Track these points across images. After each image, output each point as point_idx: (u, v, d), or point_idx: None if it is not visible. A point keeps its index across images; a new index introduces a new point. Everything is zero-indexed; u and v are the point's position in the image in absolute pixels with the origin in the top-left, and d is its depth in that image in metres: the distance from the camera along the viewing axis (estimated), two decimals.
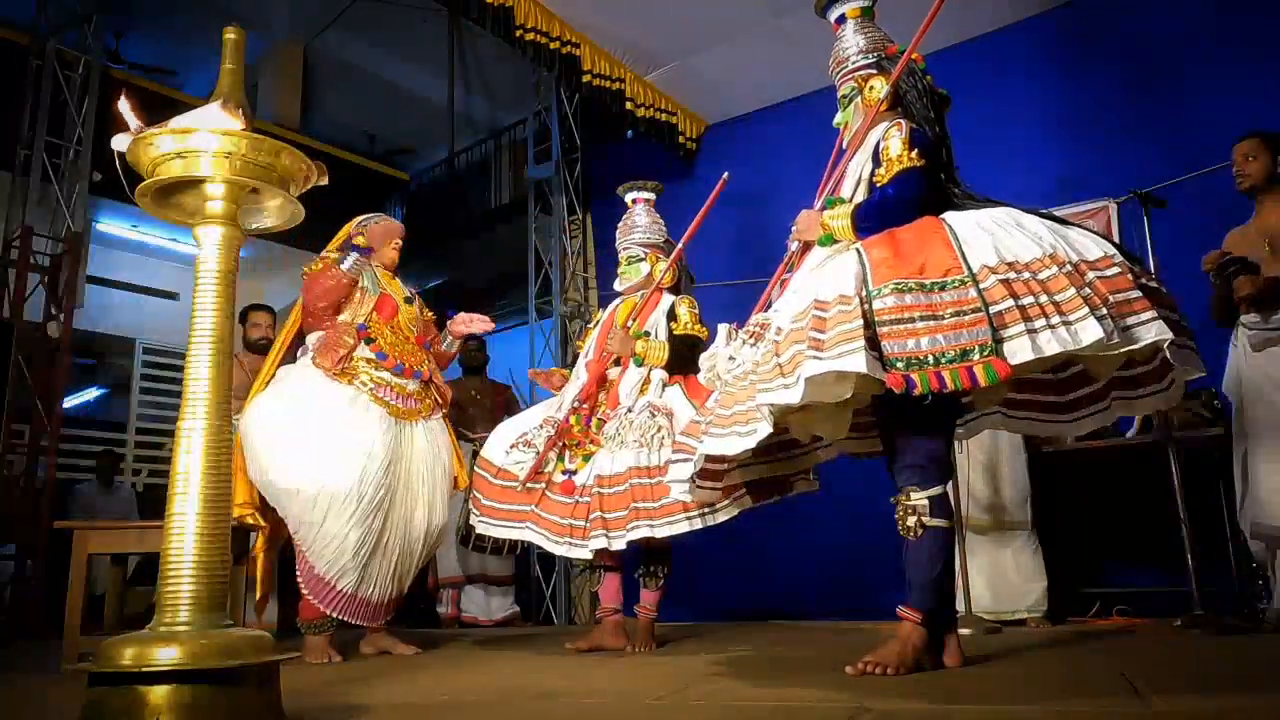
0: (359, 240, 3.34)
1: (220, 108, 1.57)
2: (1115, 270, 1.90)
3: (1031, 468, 3.98)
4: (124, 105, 1.54)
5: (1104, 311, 1.81)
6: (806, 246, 2.36)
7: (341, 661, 2.97)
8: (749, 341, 2.18)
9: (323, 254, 3.30)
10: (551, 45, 5.11)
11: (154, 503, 6.79)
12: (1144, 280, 1.94)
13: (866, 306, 1.92)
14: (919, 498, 2.03)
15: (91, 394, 9.70)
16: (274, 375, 3.22)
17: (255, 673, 1.42)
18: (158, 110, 1.59)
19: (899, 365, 1.86)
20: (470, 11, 4.95)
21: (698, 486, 2.36)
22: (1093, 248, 1.94)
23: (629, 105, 5.62)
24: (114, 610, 3.52)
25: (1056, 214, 2.13)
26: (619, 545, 2.90)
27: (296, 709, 1.67)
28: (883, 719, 1.47)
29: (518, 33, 4.97)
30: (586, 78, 5.37)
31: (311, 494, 2.93)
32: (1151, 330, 1.82)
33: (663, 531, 2.84)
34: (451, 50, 7.26)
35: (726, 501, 2.74)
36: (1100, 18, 4.66)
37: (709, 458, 2.22)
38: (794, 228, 2.39)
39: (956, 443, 3.66)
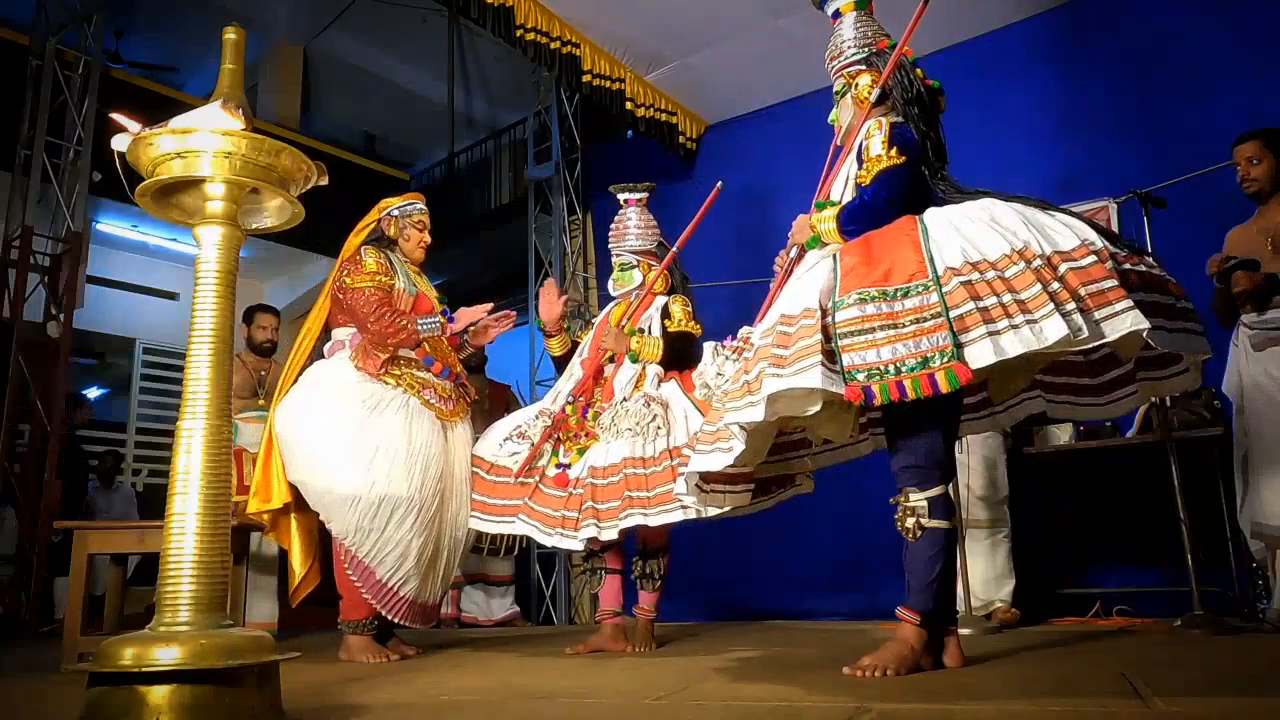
0: (390, 231, 3.27)
1: (220, 108, 1.57)
2: (1090, 259, 1.85)
3: (1025, 465, 4.00)
4: (124, 125, 1.54)
5: (1071, 306, 1.77)
6: (802, 251, 2.36)
7: (399, 660, 2.95)
8: (732, 357, 2.19)
9: (358, 252, 3.16)
10: (551, 45, 5.11)
11: (154, 503, 6.80)
12: (1128, 265, 1.90)
13: (829, 319, 1.93)
14: (918, 499, 2.02)
15: (91, 394, 9.70)
16: (301, 372, 3.12)
17: (255, 673, 1.42)
18: (158, 110, 1.59)
19: (859, 377, 1.85)
20: (470, 11, 4.95)
21: (714, 492, 2.37)
22: (1069, 237, 1.90)
23: (629, 105, 5.62)
24: (114, 610, 3.51)
25: (1041, 200, 2.08)
26: (609, 535, 2.89)
27: (296, 709, 1.67)
28: (882, 719, 1.46)
29: (518, 33, 4.98)
30: (586, 78, 5.38)
31: (373, 501, 2.90)
32: (1127, 320, 1.77)
33: (656, 520, 2.83)
34: (451, 50, 7.27)
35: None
36: (1100, 17, 4.66)
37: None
38: (790, 233, 2.40)
39: (958, 440, 3.68)
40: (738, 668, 2.42)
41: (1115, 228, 4.34)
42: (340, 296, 3.13)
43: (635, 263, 3.39)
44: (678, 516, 2.80)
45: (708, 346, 2.32)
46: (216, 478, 1.48)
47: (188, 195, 1.59)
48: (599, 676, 2.35)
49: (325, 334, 3.23)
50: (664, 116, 5.87)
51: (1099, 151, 4.50)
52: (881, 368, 1.84)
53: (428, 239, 3.35)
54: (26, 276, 5.36)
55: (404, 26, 7.17)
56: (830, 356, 1.88)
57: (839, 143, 2.46)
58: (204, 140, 1.50)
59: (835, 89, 2.48)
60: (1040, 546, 4.07)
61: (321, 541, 3.19)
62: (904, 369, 1.82)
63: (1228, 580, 3.59)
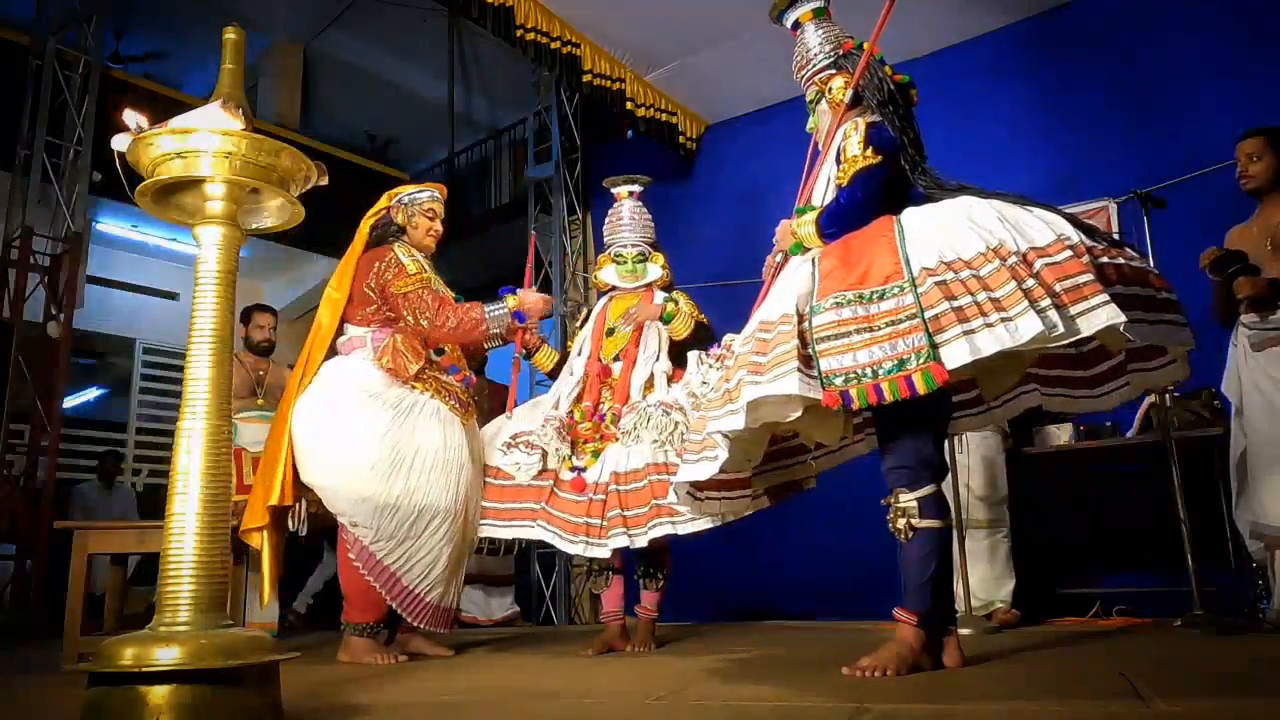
0: (399, 218, 3.20)
1: (220, 108, 1.57)
2: (1065, 255, 1.84)
3: (1024, 465, 4.00)
4: (129, 116, 1.53)
5: (1046, 303, 1.77)
6: (787, 257, 2.36)
7: (406, 659, 2.94)
8: (716, 365, 2.19)
9: (391, 251, 3.08)
10: (552, 45, 5.12)
11: (154, 503, 6.79)
12: (1105, 258, 1.90)
13: (806, 324, 1.94)
14: (908, 499, 2.02)
15: (91, 394, 9.70)
16: (318, 370, 3.02)
17: (255, 673, 1.42)
18: (158, 110, 1.59)
19: (836, 381, 1.85)
20: (470, 11, 4.96)
21: (709, 500, 2.37)
22: (1045, 232, 1.89)
23: (629, 105, 5.62)
24: (114, 610, 3.52)
25: (1020, 196, 2.07)
26: (641, 543, 2.88)
27: (296, 709, 1.67)
28: (882, 719, 1.46)
29: (518, 33, 4.98)
30: (587, 78, 5.38)
31: (411, 510, 2.87)
32: (1102, 315, 1.76)
33: (686, 529, 2.81)
34: (451, 50, 7.27)
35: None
36: (1099, 18, 4.66)
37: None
38: (774, 239, 2.40)
39: (957, 440, 3.67)
40: (738, 668, 2.42)
41: (1115, 228, 4.34)
42: (388, 299, 3.05)
43: (648, 255, 3.38)
44: (706, 524, 2.77)
45: (691, 356, 2.33)
46: (216, 478, 1.48)
47: (188, 195, 1.59)
48: (599, 676, 2.35)
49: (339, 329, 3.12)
50: (664, 116, 5.87)
51: (1098, 152, 4.51)
52: (859, 371, 1.84)
53: (438, 228, 3.28)
54: (26, 276, 5.37)
55: (404, 26, 7.17)
56: (807, 362, 1.88)
57: (818, 148, 2.47)
58: (204, 140, 1.50)
59: (808, 98, 2.50)
60: (1040, 546, 4.07)
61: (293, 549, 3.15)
62: (881, 372, 1.82)
63: (1228, 580, 3.59)
